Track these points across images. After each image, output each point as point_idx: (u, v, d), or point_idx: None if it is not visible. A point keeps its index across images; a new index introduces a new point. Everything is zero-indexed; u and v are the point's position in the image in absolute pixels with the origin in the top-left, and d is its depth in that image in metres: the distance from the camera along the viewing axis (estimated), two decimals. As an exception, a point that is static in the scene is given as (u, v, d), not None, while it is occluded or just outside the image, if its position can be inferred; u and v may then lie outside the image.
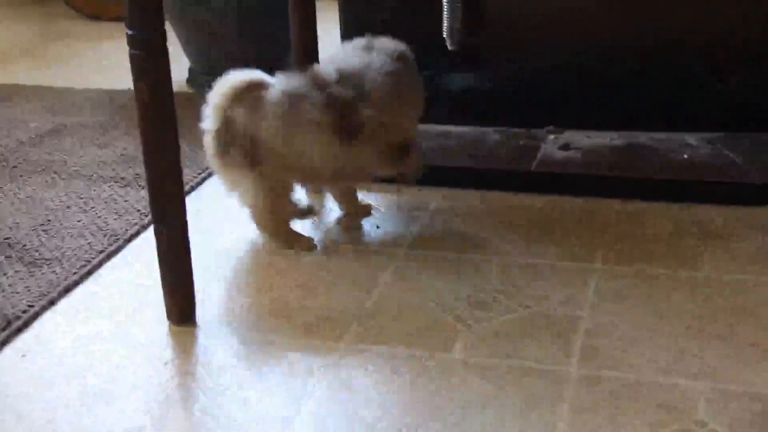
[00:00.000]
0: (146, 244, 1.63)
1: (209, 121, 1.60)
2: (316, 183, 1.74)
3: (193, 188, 1.94)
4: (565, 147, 1.95)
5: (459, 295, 1.47)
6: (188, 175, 1.97)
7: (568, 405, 1.20)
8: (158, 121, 1.32)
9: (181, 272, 1.40)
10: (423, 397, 1.23)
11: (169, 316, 1.42)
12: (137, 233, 1.71)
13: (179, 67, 2.71)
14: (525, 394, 1.23)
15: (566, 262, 1.57)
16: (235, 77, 1.60)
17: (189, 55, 2.65)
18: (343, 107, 1.58)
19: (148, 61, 1.29)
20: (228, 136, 1.57)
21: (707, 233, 1.64)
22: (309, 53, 1.81)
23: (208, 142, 1.61)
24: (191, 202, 1.85)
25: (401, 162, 1.69)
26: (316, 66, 1.67)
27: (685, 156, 1.88)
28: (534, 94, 2.02)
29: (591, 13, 1.97)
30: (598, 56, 1.98)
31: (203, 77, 2.61)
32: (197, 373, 1.31)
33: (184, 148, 2.09)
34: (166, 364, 1.33)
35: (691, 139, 1.94)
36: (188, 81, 2.66)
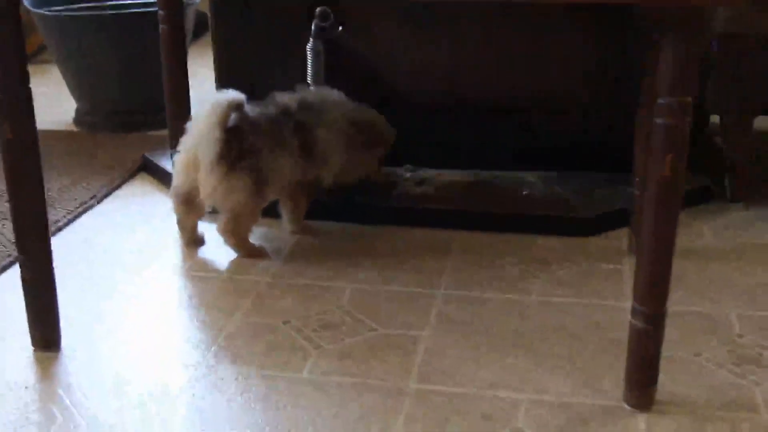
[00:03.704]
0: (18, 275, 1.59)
1: (212, 133, 1.63)
2: (282, 194, 1.81)
3: (70, 221, 1.91)
4: (420, 183, 2.01)
5: (312, 319, 1.50)
6: (66, 207, 1.95)
7: (403, 416, 1.24)
8: (21, 157, 1.30)
9: (45, 300, 1.37)
10: (270, 414, 1.25)
11: (33, 343, 1.39)
12: (9, 265, 1.68)
13: (66, 107, 2.68)
14: (365, 408, 1.26)
15: (412, 288, 1.61)
16: (225, 96, 1.65)
17: (75, 96, 2.61)
18: (305, 131, 1.74)
19: (10, 102, 1.27)
20: (237, 146, 1.63)
21: (537, 261, 1.71)
22: (180, 97, 1.82)
23: (207, 150, 1.63)
24: (65, 235, 1.84)
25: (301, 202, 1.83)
26: (277, 96, 1.79)
27: (525, 192, 1.96)
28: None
29: (444, 66, 2.04)
30: (452, 104, 2.05)
31: (88, 117, 2.59)
32: (57, 396, 1.29)
33: (65, 182, 2.09)
34: (27, 388, 1.31)
35: (530, 177, 2.03)
36: (75, 121, 2.63)
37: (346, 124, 1.82)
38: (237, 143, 1.65)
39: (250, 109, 1.70)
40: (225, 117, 1.64)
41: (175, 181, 1.74)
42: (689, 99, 1.05)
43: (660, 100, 1.07)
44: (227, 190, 1.66)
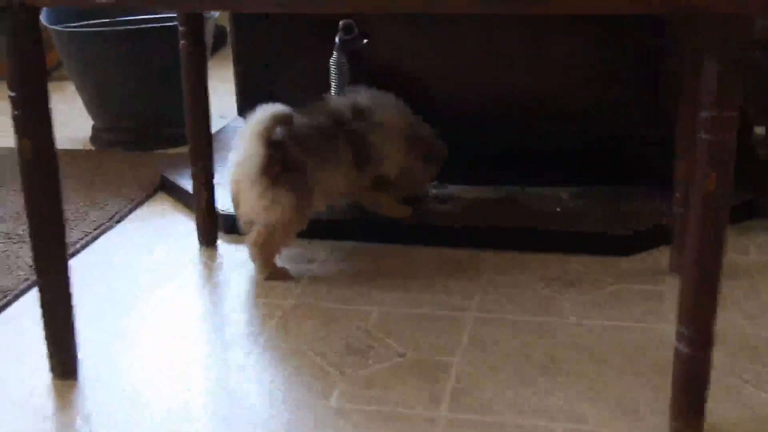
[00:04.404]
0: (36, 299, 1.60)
1: (255, 146, 1.65)
2: (331, 203, 1.82)
3: (88, 243, 1.92)
4: (446, 200, 2.00)
5: (338, 344, 1.49)
6: (83, 229, 1.95)
7: (434, 448, 1.22)
8: (40, 178, 1.30)
9: (63, 327, 1.37)
10: (296, 443, 1.24)
11: (52, 370, 1.39)
12: (27, 289, 1.68)
13: (83, 125, 2.70)
14: (394, 438, 1.24)
15: (442, 310, 1.60)
16: (270, 109, 1.67)
17: (92, 114, 2.63)
18: (359, 140, 1.77)
19: (30, 121, 1.28)
20: (280, 160, 1.65)
21: (569, 282, 1.69)
22: (201, 114, 1.82)
23: (252, 164, 1.64)
24: (83, 257, 1.85)
25: (375, 195, 1.87)
26: (331, 102, 1.82)
27: (558, 209, 1.94)
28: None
29: (471, 78, 2.03)
30: (478, 118, 2.04)
31: (104, 135, 2.61)
32: (77, 426, 1.29)
33: (82, 203, 2.10)
34: (46, 418, 1.31)
35: (563, 192, 2.01)
36: (91, 139, 2.64)
37: (405, 128, 1.85)
38: (280, 158, 1.65)
39: (298, 119, 1.71)
40: (269, 131, 1.64)
41: (235, 205, 1.74)
42: (735, 113, 1.03)
43: (703, 114, 1.05)
44: (269, 203, 1.66)
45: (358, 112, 1.81)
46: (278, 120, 1.66)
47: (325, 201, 1.78)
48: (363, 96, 1.85)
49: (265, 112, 1.66)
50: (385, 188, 1.87)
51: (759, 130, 2.04)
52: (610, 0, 1.04)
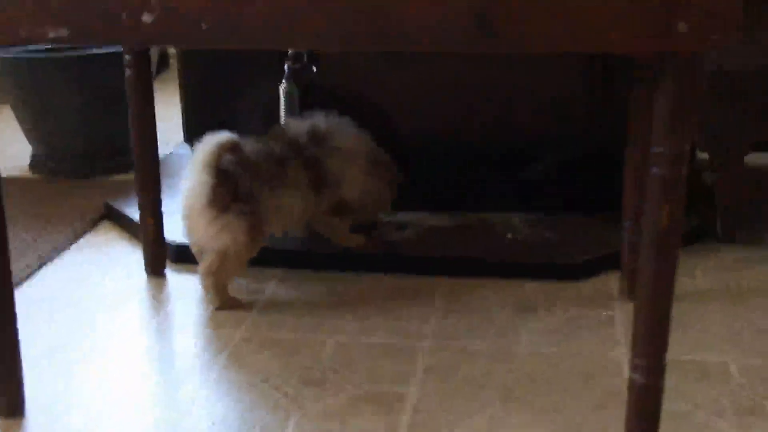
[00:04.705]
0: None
1: (202, 176, 1.65)
2: (287, 228, 1.82)
3: (29, 275, 1.89)
4: (402, 227, 2.02)
5: (294, 376, 1.49)
6: (25, 261, 1.92)
7: (393, 481, 1.23)
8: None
9: (9, 364, 1.35)
10: (253, 480, 1.24)
11: (-3, 409, 1.37)
12: (-32, 323, 1.65)
13: (21, 151, 2.66)
14: (352, 472, 1.25)
15: (396, 339, 1.61)
16: (217, 138, 1.67)
17: (31, 140, 2.59)
18: (316, 165, 1.79)
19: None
20: (229, 190, 1.65)
21: (525, 308, 1.72)
22: (147, 142, 1.81)
23: (200, 194, 1.65)
24: (25, 290, 1.82)
25: (332, 221, 1.89)
26: (288, 127, 1.84)
27: (509, 236, 1.98)
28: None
29: (425, 104, 2.06)
30: (433, 144, 2.07)
31: (45, 162, 2.58)
32: (24, 467, 1.27)
33: (23, 234, 2.07)
34: (-9, 459, 1.29)
35: (515, 219, 2.05)
36: (30, 166, 2.60)
37: (365, 151, 1.87)
38: (229, 187, 1.65)
39: (251, 147, 1.71)
40: (216, 159, 1.65)
41: (187, 234, 1.74)
42: (687, 147, 1.07)
43: (655, 149, 1.09)
44: (218, 231, 1.67)
45: (315, 137, 1.82)
46: (225, 148, 1.67)
47: (281, 226, 1.78)
48: (320, 121, 1.86)
49: (212, 141, 1.67)
50: (344, 213, 1.88)
51: (702, 155, 2.10)
52: (566, 39, 1.07)
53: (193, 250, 1.75)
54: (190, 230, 1.72)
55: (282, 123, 1.88)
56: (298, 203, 1.77)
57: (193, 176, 1.68)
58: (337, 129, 1.86)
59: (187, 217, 1.70)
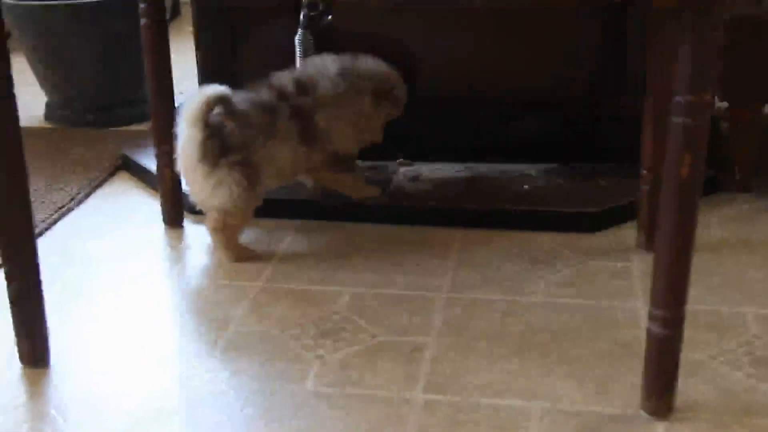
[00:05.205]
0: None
1: (191, 131, 1.64)
2: (281, 183, 1.80)
3: (48, 227, 1.90)
4: (415, 179, 2.02)
5: (311, 327, 1.50)
6: (43, 212, 1.93)
7: (411, 428, 1.25)
8: (5, 166, 1.29)
9: (33, 314, 1.37)
10: (273, 429, 1.25)
11: (21, 359, 1.39)
12: (-11, 275, 1.66)
13: (37, 101, 2.66)
14: (371, 421, 1.26)
15: (413, 291, 1.62)
16: (209, 91, 1.65)
17: (46, 90, 2.59)
18: (304, 116, 1.74)
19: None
20: (218, 143, 1.64)
21: (541, 259, 1.72)
22: (164, 92, 1.81)
23: (192, 149, 1.64)
24: (44, 241, 1.83)
25: (339, 176, 1.87)
26: (275, 78, 1.78)
27: (525, 186, 1.97)
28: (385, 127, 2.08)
29: (439, 55, 2.04)
30: (447, 94, 2.06)
31: (60, 112, 2.57)
32: (50, 415, 1.29)
33: (40, 184, 2.08)
34: (17, 407, 1.31)
35: (531, 170, 2.04)
36: (46, 116, 2.60)
37: (349, 84, 1.80)
38: (219, 140, 1.64)
39: (241, 99, 1.70)
40: (204, 114, 1.63)
41: (188, 191, 1.74)
42: (709, 96, 1.06)
43: (677, 98, 1.08)
44: (212, 187, 1.67)
45: (302, 86, 1.77)
46: (213, 102, 1.64)
47: (276, 178, 1.76)
48: (309, 68, 1.82)
49: (199, 95, 1.65)
50: (345, 166, 1.87)
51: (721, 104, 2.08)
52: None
53: (197, 205, 1.75)
54: (188, 186, 1.72)
55: (271, 74, 1.82)
56: (288, 153, 1.74)
57: (183, 132, 1.67)
58: (324, 76, 1.79)
59: (184, 175, 1.70)
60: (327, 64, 1.82)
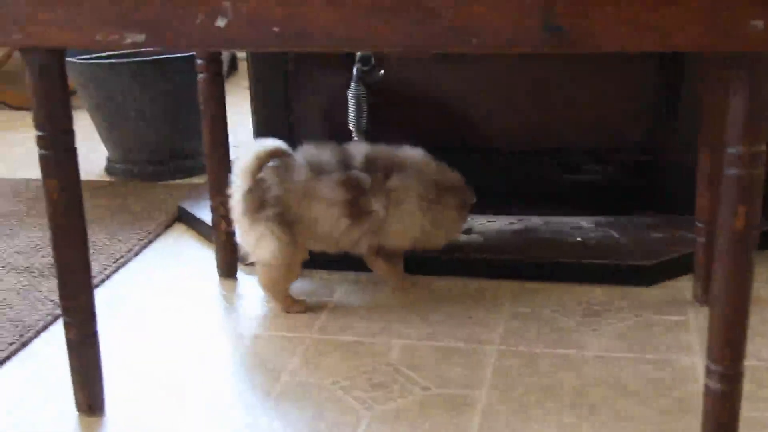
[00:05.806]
0: (59, 334, 1.62)
1: (239, 183, 1.68)
2: (324, 248, 1.77)
3: (107, 277, 1.94)
4: (468, 231, 2.02)
5: (363, 378, 1.50)
6: (102, 263, 1.98)
7: (463, 484, 1.23)
8: (66, 217, 1.32)
9: (89, 362, 1.39)
10: (324, 480, 1.25)
11: (78, 408, 1.41)
12: (50, 324, 1.70)
13: (98, 155, 2.73)
14: (422, 474, 1.25)
15: (464, 343, 1.61)
16: (263, 144, 1.68)
17: (107, 145, 2.66)
18: (357, 190, 1.68)
19: (57, 161, 1.30)
20: (258, 196, 1.66)
21: (593, 312, 1.70)
22: (220, 146, 1.85)
23: (238, 201, 1.68)
24: (102, 291, 1.87)
25: (380, 262, 1.81)
26: (350, 144, 1.77)
27: (578, 239, 1.96)
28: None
29: (490, 107, 2.06)
30: (499, 146, 2.07)
31: (121, 165, 2.64)
32: (103, 464, 1.30)
33: (100, 236, 2.12)
34: (72, 455, 1.33)
35: (583, 222, 2.03)
36: (107, 170, 2.67)
37: (425, 187, 1.74)
38: (259, 193, 1.67)
39: (302, 155, 1.71)
40: (253, 166, 1.66)
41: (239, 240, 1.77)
42: (764, 147, 1.05)
43: (730, 150, 1.07)
44: (255, 240, 1.69)
45: (371, 163, 1.71)
46: (262, 156, 1.66)
47: (316, 242, 1.73)
48: (385, 150, 1.75)
49: (252, 148, 1.68)
50: (388, 257, 1.80)
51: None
52: (635, 38, 1.06)
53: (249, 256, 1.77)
54: (239, 238, 1.75)
55: (352, 142, 1.82)
56: (329, 220, 1.69)
57: (234, 184, 1.71)
58: (398, 159, 1.73)
59: (236, 227, 1.74)
60: (420, 159, 1.76)
